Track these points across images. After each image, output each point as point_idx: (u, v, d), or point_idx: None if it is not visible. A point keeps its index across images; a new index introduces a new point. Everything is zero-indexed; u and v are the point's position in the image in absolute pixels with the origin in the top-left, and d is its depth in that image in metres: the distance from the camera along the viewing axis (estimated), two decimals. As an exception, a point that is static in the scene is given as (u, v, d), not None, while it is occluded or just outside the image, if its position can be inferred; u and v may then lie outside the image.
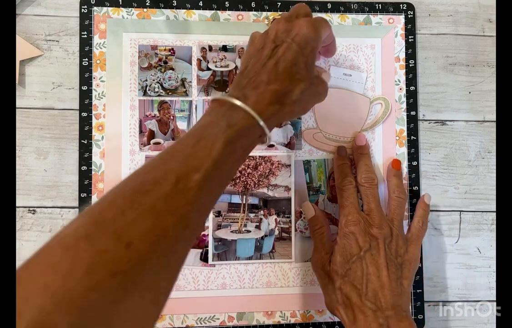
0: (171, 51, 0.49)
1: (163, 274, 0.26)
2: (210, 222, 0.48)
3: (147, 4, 0.49)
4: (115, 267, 0.23)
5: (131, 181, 0.27)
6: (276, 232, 0.48)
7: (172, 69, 0.49)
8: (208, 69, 0.49)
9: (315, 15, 0.50)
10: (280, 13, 0.50)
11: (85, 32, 0.48)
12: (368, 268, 0.41)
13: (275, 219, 0.48)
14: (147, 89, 0.48)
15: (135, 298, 0.23)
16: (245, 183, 0.48)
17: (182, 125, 0.49)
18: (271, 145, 0.49)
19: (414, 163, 0.50)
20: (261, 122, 0.32)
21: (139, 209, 0.25)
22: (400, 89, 0.50)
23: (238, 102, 0.32)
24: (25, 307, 0.20)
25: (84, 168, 0.47)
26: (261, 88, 0.34)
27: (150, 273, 0.25)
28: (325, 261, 0.44)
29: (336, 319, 0.48)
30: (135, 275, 0.24)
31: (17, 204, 0.47)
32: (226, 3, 0.50)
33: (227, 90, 0.49)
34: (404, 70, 0.50)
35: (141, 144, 0.48)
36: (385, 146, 0.50)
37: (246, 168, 0.48)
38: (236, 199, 0.48)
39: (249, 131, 0.32)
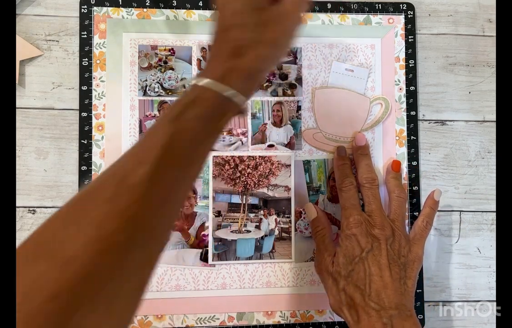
0: (171, 51, 0.49)
1: (113, 285, 0.23)
2: (210, 222, 0.48)
3: (147, 4, 0.49)
4: (54, 289, 0.21)
5: (79, 192, 0.26)
6: (276, 232, 0.48)
7: (172, 69, 0.49)
8: (208, 69, 0.49)
9: (316, 15, 0.50)
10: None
11: (85, 32, 0.48)
12: (370, 268, 0.41)
13: (275, 219, 0.48)
14: (147, 89, 0.48)
15: (78, 319, 0.22)
16: (245, 183, 0.48)
17: (182, 125, 0.49)
18: (271, 145, 0.49)
19: (414, 163, 0.50)
20: (210, 81, 0.29)
21: (80, 221, 0.23)
22: (400, 89, 0.50)
23: (193, 81, 0.30)
24: None
25: (84, 168, 0.47)
26: (216, 54, 0.31)
27: (96, 288, 0.22)
28: (328, 262, 0.44)
29: (336, 319, 0.48)
30: (79, 292, 0.22)
31: (17, 204, 0.47)
32: (226, 3, 0.50)
33: None
34: (404, 70, 0.50)
35: (141, 144, 0.48)
36: (385, 146, 0.50)
37: (246, 167, 0.48)
38: (236, 199, 0.48)
39: (202, 98, 0.29)
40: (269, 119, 0.49)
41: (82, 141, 0.47)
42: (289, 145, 0.49)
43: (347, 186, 0.45)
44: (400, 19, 0.51)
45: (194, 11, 0.49)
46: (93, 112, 0.48)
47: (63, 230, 0.23)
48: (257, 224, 0.48)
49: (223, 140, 0.48)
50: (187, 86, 0.30)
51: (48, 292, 0.21)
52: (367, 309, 0.39)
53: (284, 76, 0.50)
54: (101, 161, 0.47)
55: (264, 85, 0.49)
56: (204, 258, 0.48)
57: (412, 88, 0.50)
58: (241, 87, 0.30)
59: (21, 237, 0.46)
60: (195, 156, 0.29)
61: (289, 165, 0.49)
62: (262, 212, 0.48)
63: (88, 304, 0.22)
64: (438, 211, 0.50)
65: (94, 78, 0.48)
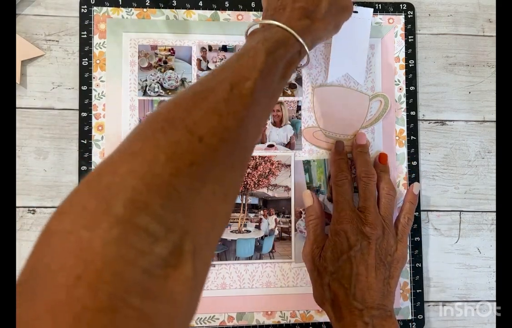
0: (171, 51, 0.49)
1: (229, 173, 0.27)
2: (210, 222, 0.48)
3: (147, 4, 0.49)
4: (191, 157, 0.24)
5: (188, 90, 0.28)
6: (276, 232, 0.48)
7: (172, 69, 0.49)
8: (208, 69, 0.49)
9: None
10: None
11: (85, 32, 0.48)
12: (357, 268, 0.40)
13: (275, 219, 0.48)
14: (147, 89, 0.48)
15: (209, 191, 0.25)
16: (245, 182, 0.48)
17: (182, 125, 0.49)
18: (271, 145, 0.49)
19: (414, 163, 0.50)
20: (296, 34, 0.33)
21: (204, 109, 0.26)
22: (400, 89, 0.50)
23: (270, 21, 0.33)
24: (118, 188, 0.21)
25: (84, 168, 0.47)
26: (288, 8, 0.35)
27: (219, 169, 0.26)
28: (315, 254, 0.44)
29: (336, 319, 0.48)
30: (208, 168, 0.25)
31: (17, 204, 0.47)
32: (226, 3, 0.50)
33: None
34: (404, 70, 0.50)
35: (141, 144, 0.48)
36: (385, 147, 0.50)
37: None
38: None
39: (286, 43, 0.33)
40: (269, 119, 0.49)
41: (82, 141, 0.47)
42: (289, 145, 0.49)
43: (342, 179, 0.45)
44: (400, 19, 0.51)
45: (194, 11, 0.49)
46: (93, 112, 0.48)
47: (189, 114, 0.26)
48: (257, 224, 0.48)
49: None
50: (267, 22, 0.34)
51: (186, 159, 0.24)
52: (350, 307, 0.39)
53: (284, 76, 0.49)
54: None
55: (264, 85, 0.49)
56: (204, 258, 0.48)
57: (412, 88, 0.50)
58: (309, 46, 0.35)
59: (21, 237, 0.47)
60: (276, 92, 0.33)
61: (289, 165, 0.49)
62: (262, 212, 0.48)
63: (213, 181, 0.25)
64: (438, 211, 0.50)
65: (94, 78, 0.48)
